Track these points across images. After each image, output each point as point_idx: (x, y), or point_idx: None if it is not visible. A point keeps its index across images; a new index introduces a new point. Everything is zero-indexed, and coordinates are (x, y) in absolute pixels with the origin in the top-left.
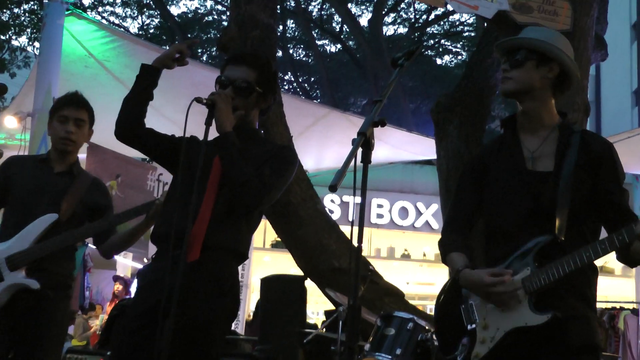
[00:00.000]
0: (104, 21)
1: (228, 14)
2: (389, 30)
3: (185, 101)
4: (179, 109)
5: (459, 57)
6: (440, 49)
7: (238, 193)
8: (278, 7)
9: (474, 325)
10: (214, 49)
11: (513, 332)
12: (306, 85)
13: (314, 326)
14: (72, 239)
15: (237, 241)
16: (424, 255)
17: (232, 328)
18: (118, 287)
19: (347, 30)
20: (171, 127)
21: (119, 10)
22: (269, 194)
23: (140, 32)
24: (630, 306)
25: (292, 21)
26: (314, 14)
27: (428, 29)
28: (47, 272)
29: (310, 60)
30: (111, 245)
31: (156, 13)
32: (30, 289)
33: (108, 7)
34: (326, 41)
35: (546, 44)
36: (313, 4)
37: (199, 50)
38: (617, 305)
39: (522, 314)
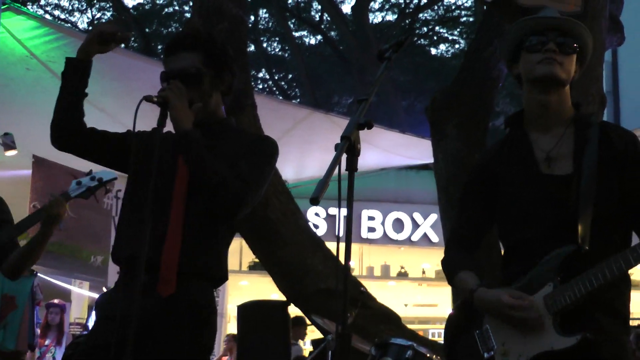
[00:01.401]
0: (47, 16)
1: (191, 4)
2: (375, 18)
3: (145, 106)
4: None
5: (457, 46)
6: (435, 38)
7: (215, 198)
8: None
9: (491, 353)
10: None
11: (538, 359)
12: (283, 83)
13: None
14: None
15: (215, 261)
16: (423, 272)
17: None
18: (50, 315)
19: (328, 19)
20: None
21: (64, 3)
22: (251, 192)
23: (90, 28)
24: None
25: (264, 10)
26: (290, 1)
27: (420, 15)
28: None
29: (287, 55)
30: (11, 263)
31: (108, 5)
32: None
33: (51, 0)
34: (304, 32)
35: (590, 39)
36: None
37: (159, 47)
38: None
39: (546, 336)
